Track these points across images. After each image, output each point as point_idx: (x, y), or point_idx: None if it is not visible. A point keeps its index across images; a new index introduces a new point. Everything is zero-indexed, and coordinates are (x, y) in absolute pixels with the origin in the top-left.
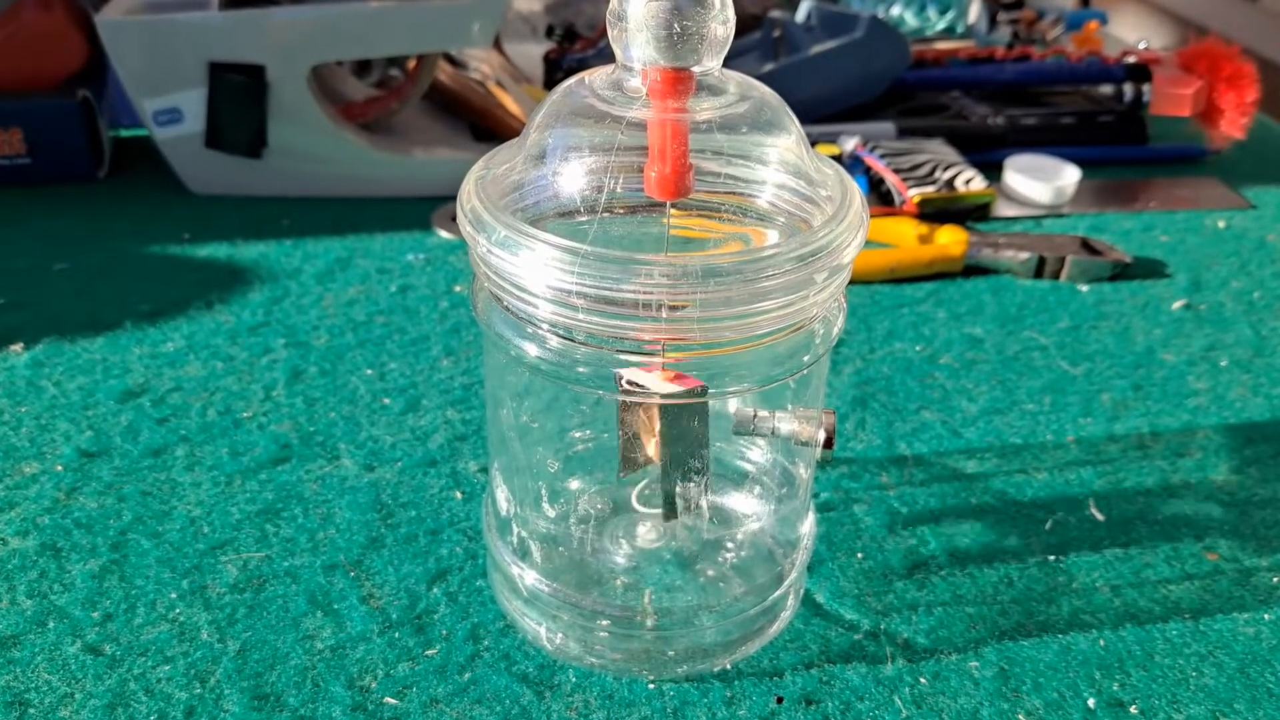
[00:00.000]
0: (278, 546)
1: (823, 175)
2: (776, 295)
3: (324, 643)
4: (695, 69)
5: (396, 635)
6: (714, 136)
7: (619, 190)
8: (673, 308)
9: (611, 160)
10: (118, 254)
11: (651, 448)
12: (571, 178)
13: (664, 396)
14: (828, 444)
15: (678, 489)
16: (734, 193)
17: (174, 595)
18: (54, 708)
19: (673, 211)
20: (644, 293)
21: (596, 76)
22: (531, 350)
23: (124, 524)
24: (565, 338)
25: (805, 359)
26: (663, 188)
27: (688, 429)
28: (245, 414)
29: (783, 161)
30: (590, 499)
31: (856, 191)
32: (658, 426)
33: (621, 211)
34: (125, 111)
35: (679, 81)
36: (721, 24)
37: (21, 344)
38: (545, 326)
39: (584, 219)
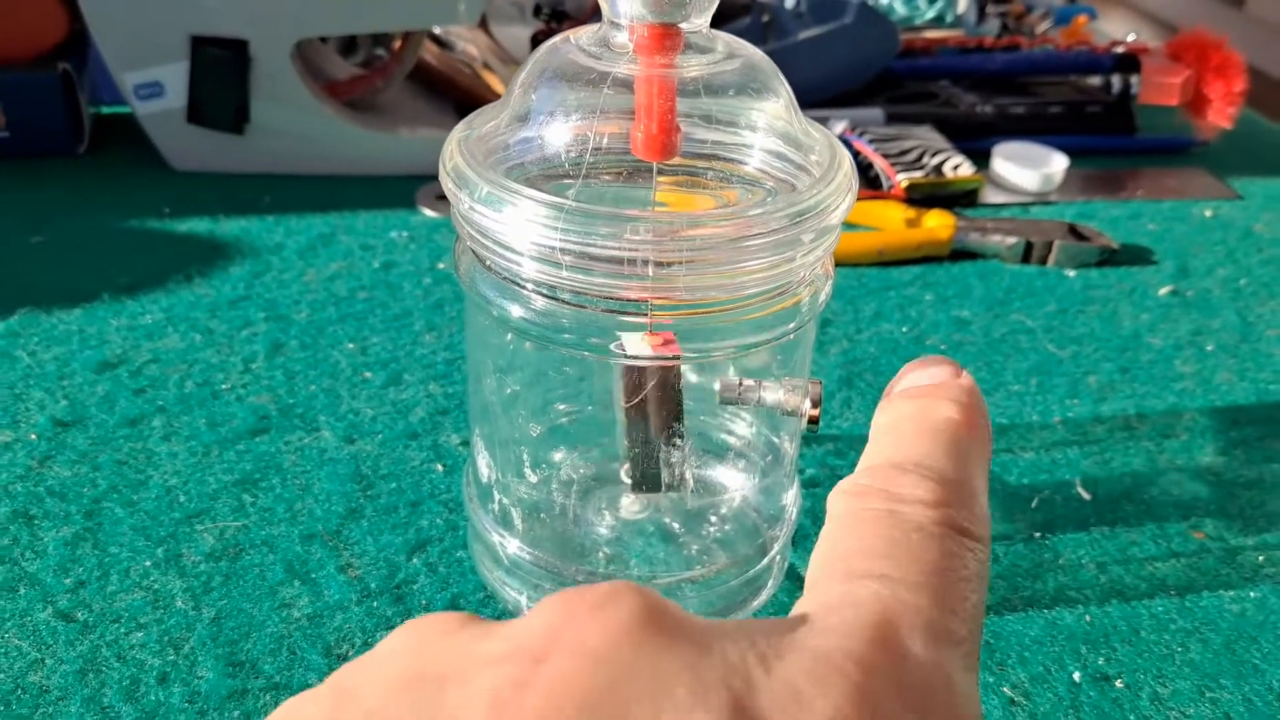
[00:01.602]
0: (255, 516)
1: (811, 139)
2: (764, 254)
3: (301, 611)
4: (683, 25)
5: (375, 604)
6: (701, 100)
7: (604, 148)
8: (659, 264)
9: (598, 120)
10: (96, 227)
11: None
12: (557, 137)
13: (650, 359)
14: (815, 407)
15: (661, 458)
16: (721, 157)
17: (148, 563)
18: (23, 673)
19: (659, 177)
20: (629, 249)
21: (583, 34)
22: (515, 311)
23: (98, 492)
24: (549, 297)
25: (791, 325)
26: (649, 147)
27: (668, 394)
28: (224, 386)
29: (771, 126)
30: (574, 465)
31: (845, 156)
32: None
33: (608, 176)
34: (106, 89)
35: (666, 37)
36: None
37: None
38: (529, 286)
39: (569, 180)
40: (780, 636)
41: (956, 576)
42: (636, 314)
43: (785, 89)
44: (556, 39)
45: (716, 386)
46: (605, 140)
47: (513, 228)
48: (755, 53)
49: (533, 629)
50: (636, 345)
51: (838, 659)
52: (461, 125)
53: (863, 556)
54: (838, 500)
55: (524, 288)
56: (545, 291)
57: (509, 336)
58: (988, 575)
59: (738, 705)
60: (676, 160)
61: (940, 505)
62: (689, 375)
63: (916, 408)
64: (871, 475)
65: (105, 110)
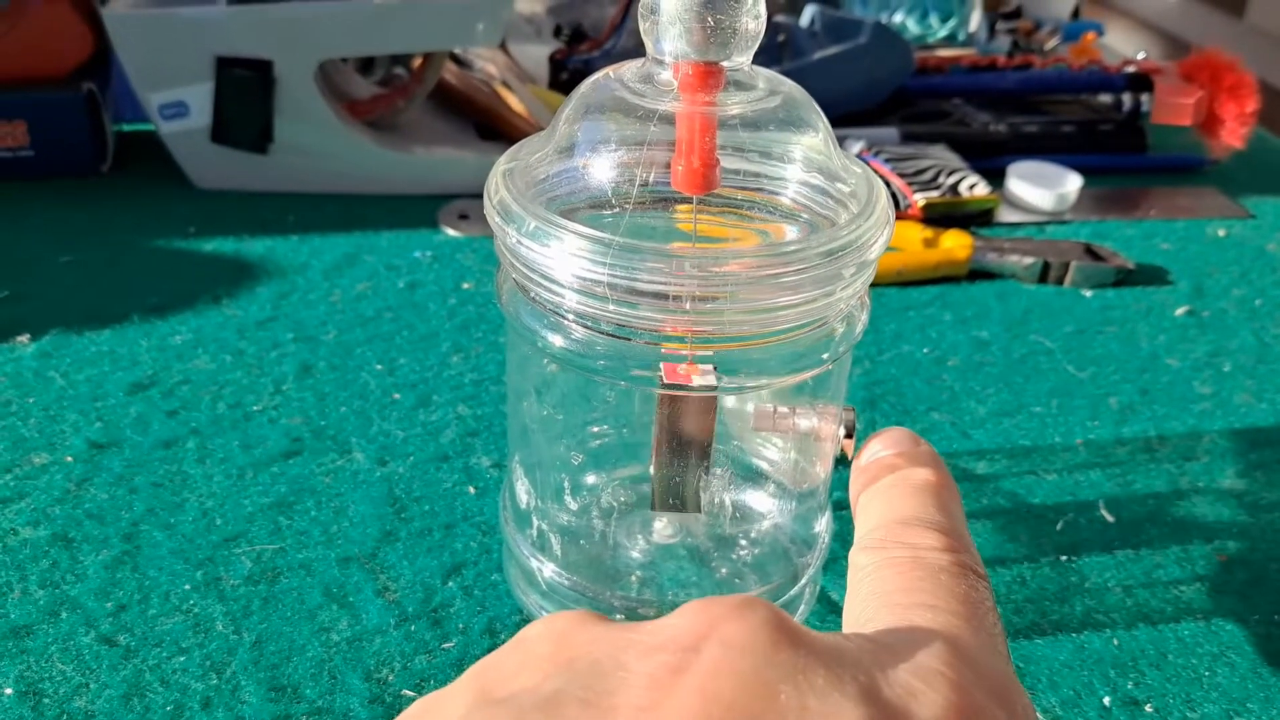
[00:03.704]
0: (291, 539)
1: (849, 173)
2: (803, 289)
3: (340, 635)
4: (725, 64)
5: (413, 628)
6: (741, 135)
7: (648, 184)
8: (700, 300)
9: (641, 154)
10: (123, 247)
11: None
12: (600, 171)
13: (688, 390)
14: (849, 435)
15: (694, 482)
16: (760, 190)
17: (188, 587)
18: (69, 698)
19: (698, 208)
20: (672, 284)
21: (626, 70)
22: (557, 341)
23: (136, 515)
24: (592, 329)
25: (825, 356)
26: (690, 181)
27: (699, 422)
28: (255, 407)
29: (808, 159)
30: (612, 492)
31: (882, 189)
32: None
33: (646, 206)
34: (129, 106)
35: (710, 75)
36: (754, 19)
37: (28, 335)
38: (571, 317)
39: (610, 213)
40: (881, 648)
41: (984, 607)
42: (676, 345)
43: (824, 123)
44: (599, 74)
45: (750, 411)
46: (651, 175)
47: (558, 262)
48: (795, 88)
49: (679, 626)
50: (676, 375)
51: (935, 665)
52: (506, 157)
53: (905, 593)
54: (861, 555)
55: (566, 318)
56: (587, 323)
57: (547, 362)
58: (997, 607)
59: (867, 693)
60: (717, 194)
61: (950, 550)
62: (725, 401)
63: (897, 474)
64: (885, 531)
65: (127, 128)
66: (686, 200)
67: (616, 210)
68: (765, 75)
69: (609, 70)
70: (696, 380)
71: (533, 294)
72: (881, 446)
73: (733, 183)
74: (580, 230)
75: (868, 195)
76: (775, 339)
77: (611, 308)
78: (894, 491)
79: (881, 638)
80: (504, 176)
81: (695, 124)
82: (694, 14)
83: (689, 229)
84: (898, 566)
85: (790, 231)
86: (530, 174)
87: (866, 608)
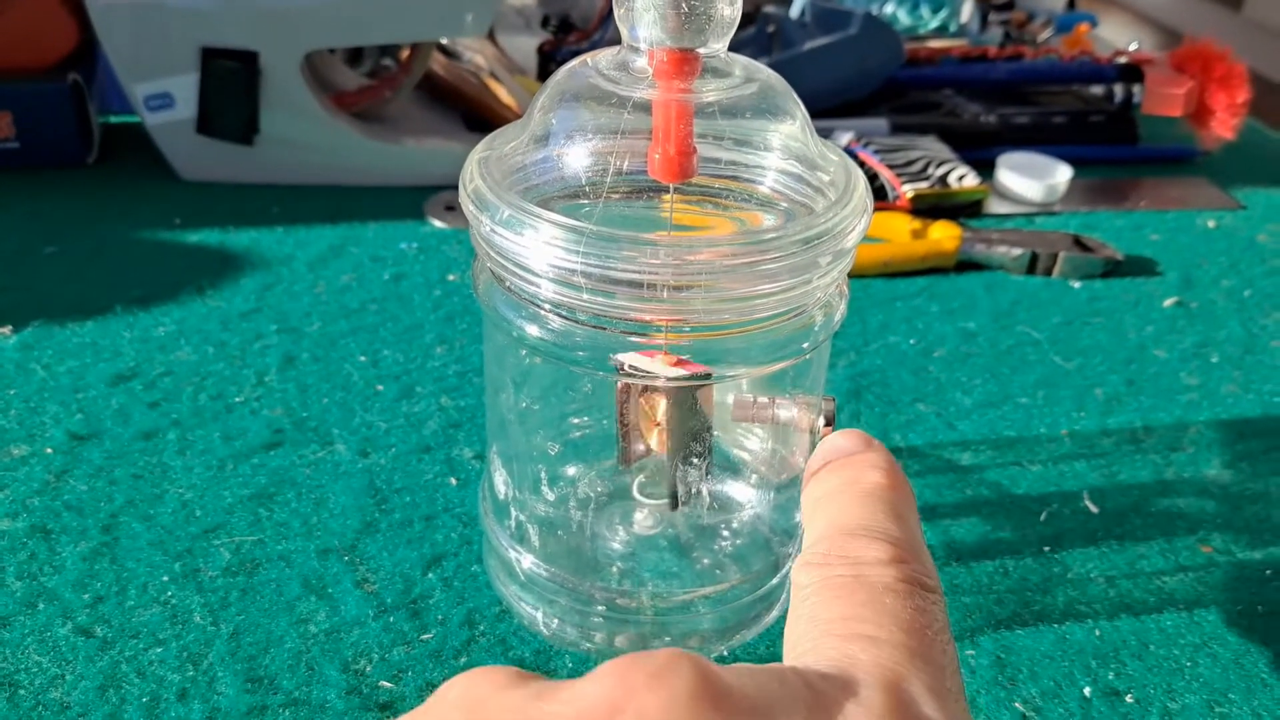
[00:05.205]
0: (271, 531)
1: (827, 161)
2: (780, 278)
3: (318, 626)
4: (701, 50)
5: (391, 620)
6: (718, 121)
7: (623, 173)
8: (675, 288)
9: (616, 142)
10: (108, 238)
11: (653, 437)
12: (575, 159)
13: (666, 380)
14: (828, 425)
15: (680, 476)
16: (737, 178)
17: (166, 578)
18: (44, 689)
19: (675, 196)
20: (647, 273)
21: (602, 57)
22: (533, 331)
23: (115, 507)
24: (567, 318)
25: (805, 345)
26: (666, 169)
27: (691, 414)
28: (237, 399)
29: (786, 147)
30: (590, 482)
31: (860, 177)
32: (660, 413)
33: (623, 194)
34: (114, 97)
35: (685, 62)
36: (729, 5)
37: (10, 327)
38: (547, 307)
39: (586, 202)
40: (816, 698)
41: (932, 631)
42: (653, 335)
43: (801, 111)
44: (574, 62)
45: (730, 402)
46: (625, 163)
47: (532, 250)
48: (772, 75)
49: (592, 695)
50: (651, 365)
51: None
52: (481, 146)
53: (844, 622)
54: (804, 572)
55: (542, 308)
56: (563, 312)
57: (524, 353)
58: (949, 622)
59: None
60: (694, 182)
61: (897, 562)
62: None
63: (845, 478)
64: (829, 544)
65: (112, 119)
66: (664, 189)
67: (592, 200)
68: (742, 62)
69: (585, 58)
70: (675, 370)
71: (508, 284)
72: (831, 449)
73: (710, 171)
74: (554, 218)
75: (845, 183)
76: (753, 328)
77: (586, 297)
78: (842, 498)
79: (817, 683)
80: (479, 165)
81: (671, 111)
82: (668, 0)
83: (667, 218)
84: (838, 589)
85: (768, 220)
86: (505, 163)
87: (807, 634)
